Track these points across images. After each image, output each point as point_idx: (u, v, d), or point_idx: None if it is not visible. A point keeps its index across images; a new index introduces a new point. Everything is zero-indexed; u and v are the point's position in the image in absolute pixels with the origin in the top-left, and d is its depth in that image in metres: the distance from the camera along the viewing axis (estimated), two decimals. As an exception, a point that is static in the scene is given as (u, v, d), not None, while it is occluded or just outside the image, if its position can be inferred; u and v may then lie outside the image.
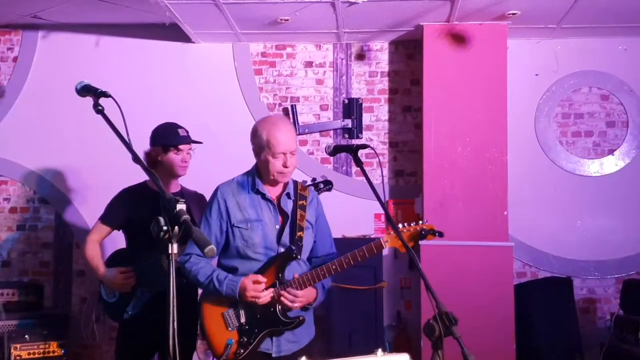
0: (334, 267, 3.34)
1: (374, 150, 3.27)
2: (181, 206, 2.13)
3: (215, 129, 5.58)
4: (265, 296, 3.33)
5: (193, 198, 4.34)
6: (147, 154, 4.29)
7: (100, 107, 2.54)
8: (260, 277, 3.33)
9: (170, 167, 4.18)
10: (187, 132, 4.24)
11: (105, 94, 2.55)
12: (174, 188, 4.28)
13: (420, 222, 3.35)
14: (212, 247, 2.09)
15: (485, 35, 5.35)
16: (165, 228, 2.11)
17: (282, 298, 3.32)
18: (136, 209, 4.19)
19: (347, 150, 3.35)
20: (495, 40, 5.36)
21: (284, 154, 3.36)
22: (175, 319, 2.01)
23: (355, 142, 5.62)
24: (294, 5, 4.99)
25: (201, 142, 4.29)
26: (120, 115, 2.45)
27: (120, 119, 2.46)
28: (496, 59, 5.37)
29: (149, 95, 5.66)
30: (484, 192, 5.28)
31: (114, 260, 4.25)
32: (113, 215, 4.26)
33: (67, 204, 5.69)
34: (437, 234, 3.29)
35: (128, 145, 2.46)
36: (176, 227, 2.13)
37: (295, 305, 3.33)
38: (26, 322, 4.83)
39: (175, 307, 2.06)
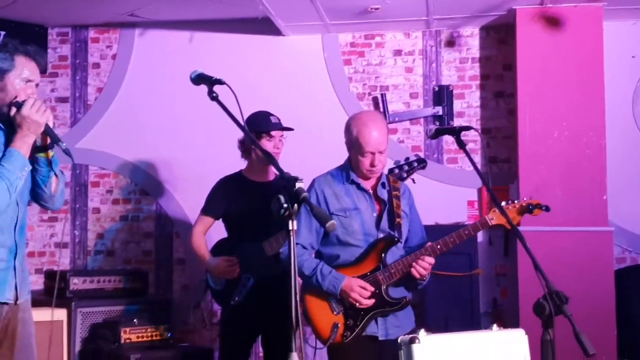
0: (438, 246, 3.38)
1: (478, 131, 3.27)
2: (300, 184, 2.20)
3: (306, 120, 5.62)
4: (368, 303, 3.38)
5: None
6: (241, 142, 4.40)
7: (214, 94, 2.65)
8: (368, 285, 3.37)
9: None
10: (278, 119, 4.32)
11: (220, 82, 2.65)
12: (271, 175, 4.37)
13: (525, 198, 3.38)
14: (334, 222, 2.15)
15: (580, 18, 5.26)
16: (285, 205, 2.17)
17: (418, 267, 3.35)
18: (233, 199, 4.32)
19: (449, 132, 3.36)
20: (591, 23, 5.27)
21: (372, 153, 3.41)
22: (297, 292, 2.07)
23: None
24: (385, -8, 5.03)
25: (292, 129, 4.36)
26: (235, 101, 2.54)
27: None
28: (592, 42, 5.27)
29: (241, 89, 5.62)
30: (581, 177, 5.20)
31: (218, 249, 4.38)
32: (212, 206, 4.39)
33: (166, 195, 5.86)
34: (543, 208, 3.30)
35: (244, 129, 2.55)
36: (295, 205, 2.18)
37: (427, 275, 3.38)
38: (132, 307, 5.03)
39: (296, 284, 2.13)
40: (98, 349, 4.73)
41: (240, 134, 4.38)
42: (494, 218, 3.34)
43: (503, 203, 3.30)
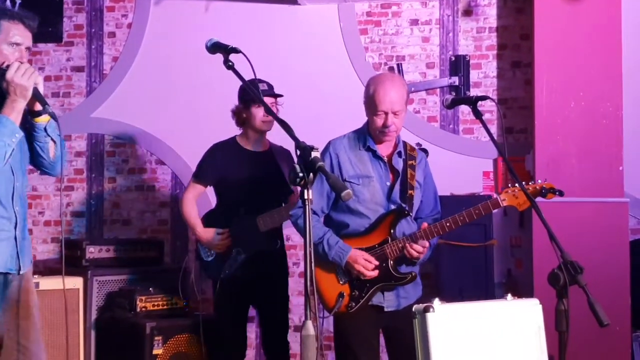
0: (447, 224, 3.37)
1: (494, 101, 3.25)
2: (315, 153, 2.20)
3: (322, 90, 5.63)
4: (372, 274, 3.38)
5: (281, 154, 4.35)
6: (234, 112, 4.32)
7: (230, 63, 2.66)
8: (372, 259, 3.37)
9: (254, 123, 4.20)
10: (269, 86, 4.23)
11: (236, 50, 2.66)
12: (264, 145, 4.32)
13: (539, 180, 3.37)
14: (349, 191, 2.15)
15: (598, -13, 5.19)
16: (301, 175, 2.18)
17: (411, 250, 3.36)
18: (226, 167, 4.22)
19: (465, 102, 3.34)
20: (609, -8, 5.20)
21: (386, 113, 3.37)
22: (313, 260, 2.08)
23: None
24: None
25: (281, 95, 4.29)
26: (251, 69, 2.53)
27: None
28: (610, 12, 5.17)
29: (256, 58, 5.64)
30: (598, 148, 5.15)
31: (210, 219, 4.32)
32: (204, 173, 4.31)
33: (182, 164, 5.87)
34: (557, 193, 3.29)
35: (259, 98, 2.55)
36: (311, 174, 2.19)
37: (421, 256, 3.38)
38: (148, 276, 5.05)
39: (312, 253, 2.13)
40: (114, 317, 4.77)
41: (232, 105, 4.34)
42: (506, 199, 3.35)
43: (516, 185, 3.29)
